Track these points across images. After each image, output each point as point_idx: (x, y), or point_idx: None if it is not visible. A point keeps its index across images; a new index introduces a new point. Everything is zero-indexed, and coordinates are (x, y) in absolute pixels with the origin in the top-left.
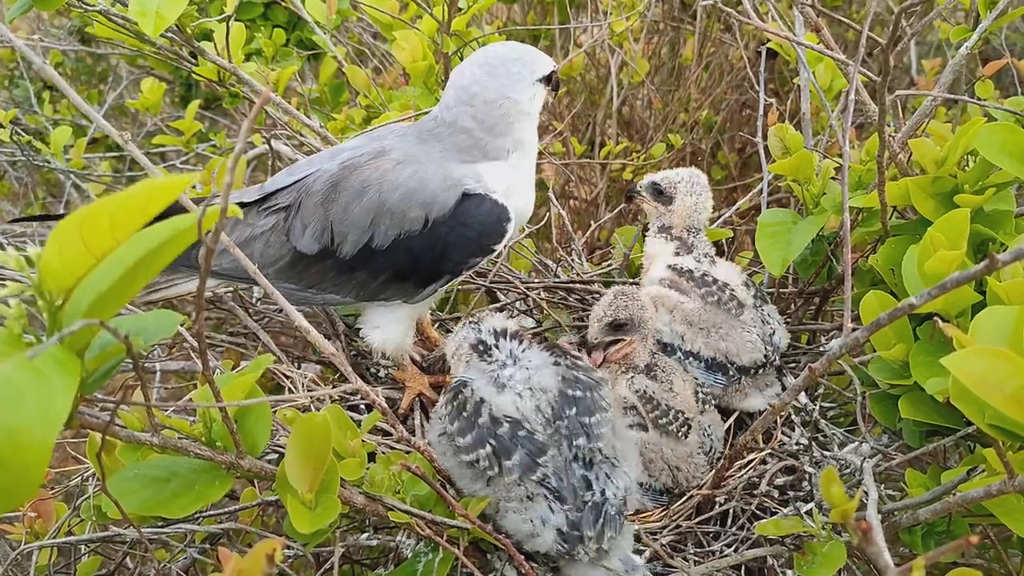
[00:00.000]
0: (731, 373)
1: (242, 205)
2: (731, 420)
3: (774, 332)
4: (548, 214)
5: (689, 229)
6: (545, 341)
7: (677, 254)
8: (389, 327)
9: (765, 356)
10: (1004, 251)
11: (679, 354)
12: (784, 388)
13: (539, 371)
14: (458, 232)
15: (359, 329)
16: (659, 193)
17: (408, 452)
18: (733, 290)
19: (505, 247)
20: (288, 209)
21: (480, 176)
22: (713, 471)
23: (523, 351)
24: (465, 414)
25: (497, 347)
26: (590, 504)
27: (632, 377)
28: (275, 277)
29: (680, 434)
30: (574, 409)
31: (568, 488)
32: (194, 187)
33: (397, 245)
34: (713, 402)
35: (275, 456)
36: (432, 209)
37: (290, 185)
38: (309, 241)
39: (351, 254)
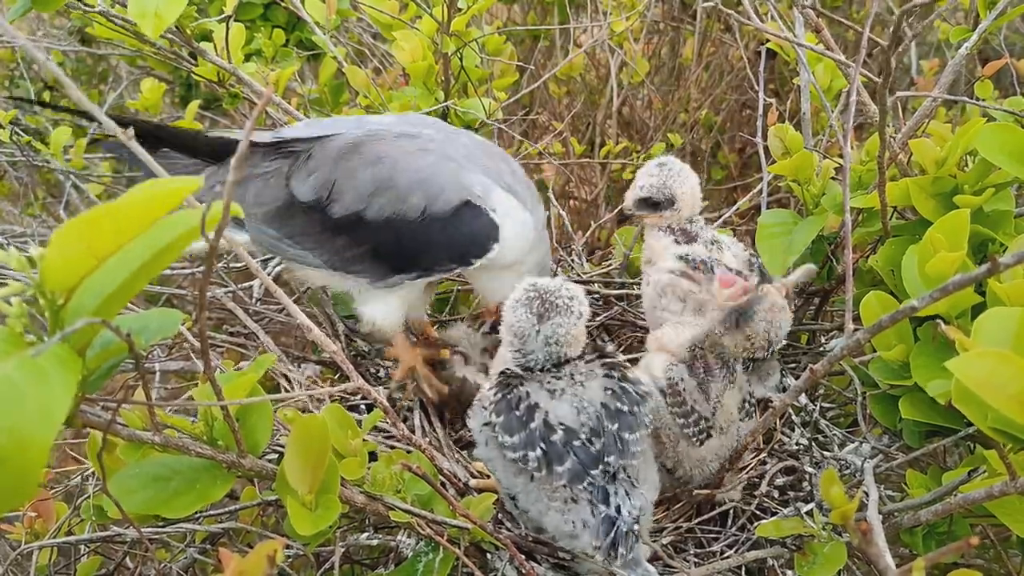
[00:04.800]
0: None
1: (253, 145)
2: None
3: None
4: (548, 214)
5: (691, 219)
6: (597, 349)
7: (677, 243)
8: (381, 302)
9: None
10: (1004, 251)
11: None
12: (782, 375)
13: (584, 384)
14: (447, 234)
15: (353, 315)
16: (656, 205)
17: (409, 451)
18: (747, 278)
19: (485, 264)
20: (298, 155)
21: (489, 193)
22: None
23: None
24: (518, 413)
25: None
26: (604, 516)
27: (674, 365)
28: (260, 219)
29: (695, 440)
30: (616, 424)
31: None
32: None
33: (386, 224)
34: (755, 413)
35: (275, 456)
36: (433, 203)
37: (309, 138)
38: (308, 189)
39: (339, 215)
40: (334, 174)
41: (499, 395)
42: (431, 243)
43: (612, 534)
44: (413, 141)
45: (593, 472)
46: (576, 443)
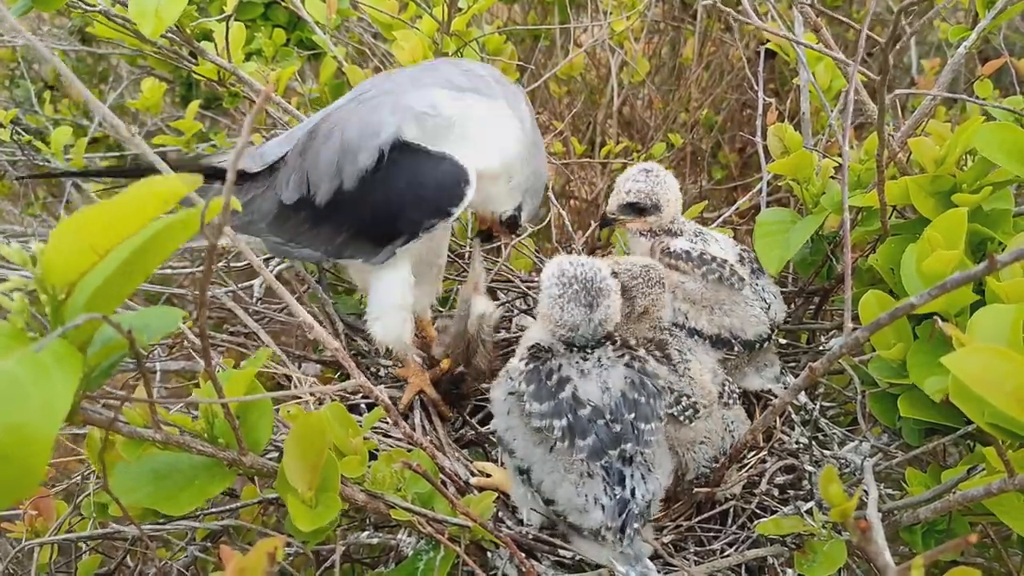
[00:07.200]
0: (736, 348)
1: (249, 175)
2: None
3: (770, 306)
4: (548, 214)
5: (672, 220)
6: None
7: (663, 243)
8: (387, 317)
9: (770, 329)
10: (1003, 250)
11: (684, 331)
12: (782, 368)
13: (608, 370)
14: (415, 191)
15: (364, 322)
16: (641, 210)
17: (410, 450)
18: (733, 266)
19: (464, 210)
20: (281, 163)
21: (436, 104)
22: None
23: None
24: (548, 384)
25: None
26: (618, 498)
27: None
28: (267, 230)
29: (684, 419)
30: (633, 414)
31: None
32: None
33: (362, 189)
34: (738, 399)
35: (276, 453)
36: (379, 138)
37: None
38: (290, 191)
39: (325, 202)
40: (304, 168)
41: (531, 365)
42: (405, 204)
43: (624, 516)
44: (355, 99)
45: (611, 452)
46: (600, 422)
